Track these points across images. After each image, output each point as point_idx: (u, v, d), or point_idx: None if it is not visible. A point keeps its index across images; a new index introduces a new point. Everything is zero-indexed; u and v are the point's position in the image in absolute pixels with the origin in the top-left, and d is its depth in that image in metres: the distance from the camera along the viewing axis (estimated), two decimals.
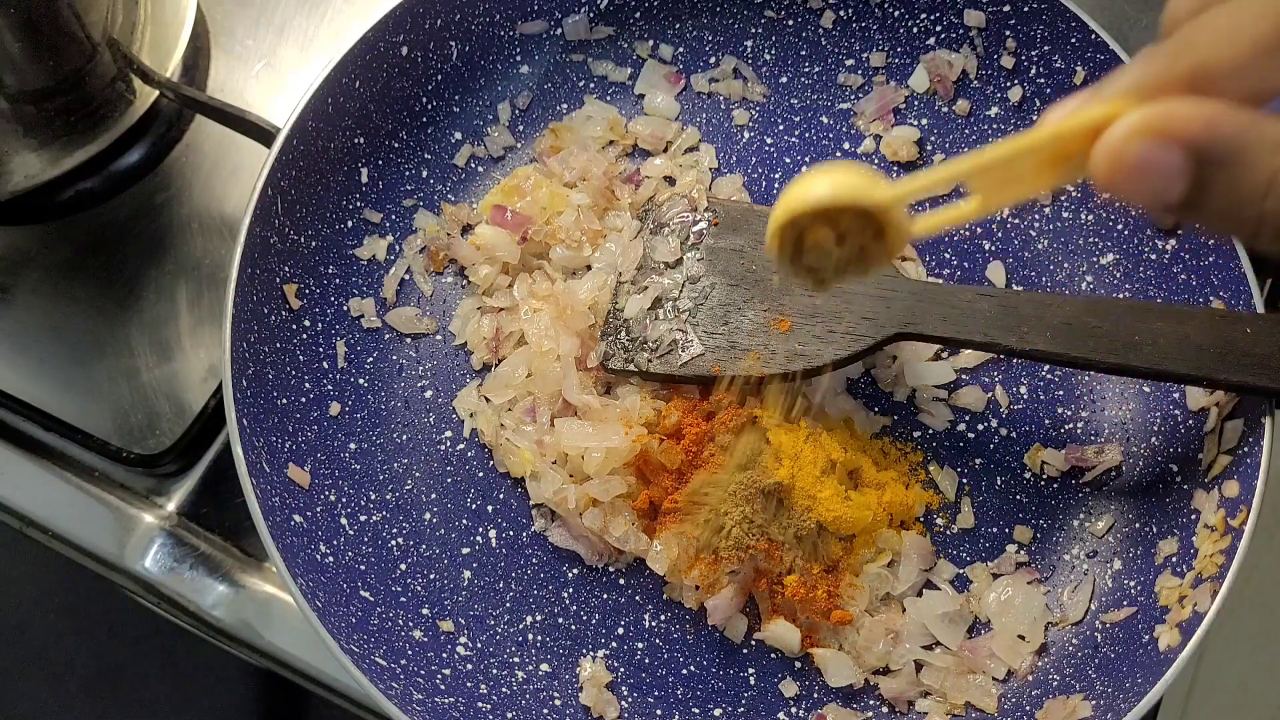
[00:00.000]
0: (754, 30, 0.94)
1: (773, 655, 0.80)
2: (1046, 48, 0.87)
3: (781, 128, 0.92)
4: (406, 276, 0.88)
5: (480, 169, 0.91)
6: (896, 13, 0.91)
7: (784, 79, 0.93)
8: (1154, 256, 0.84)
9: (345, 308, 0.86)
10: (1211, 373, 0.73)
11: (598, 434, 0.80)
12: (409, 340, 0.87)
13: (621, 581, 0.82)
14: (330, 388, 0.84)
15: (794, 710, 0.78)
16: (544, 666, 0.79)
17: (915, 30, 0.91)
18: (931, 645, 0.79)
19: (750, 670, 0.79)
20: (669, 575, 0.79)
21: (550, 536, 0.82)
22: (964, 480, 0.83)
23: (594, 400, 0.82)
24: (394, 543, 0.81)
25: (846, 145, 0.92)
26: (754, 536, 0.77)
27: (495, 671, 0.79)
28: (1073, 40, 0.85)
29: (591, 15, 0.93)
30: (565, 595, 0.81)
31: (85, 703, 1.42)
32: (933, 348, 0.85)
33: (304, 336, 0.84)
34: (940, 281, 0.87)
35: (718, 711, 0.78)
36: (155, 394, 0.89)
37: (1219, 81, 0.45)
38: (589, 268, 0.87)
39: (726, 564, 0.77)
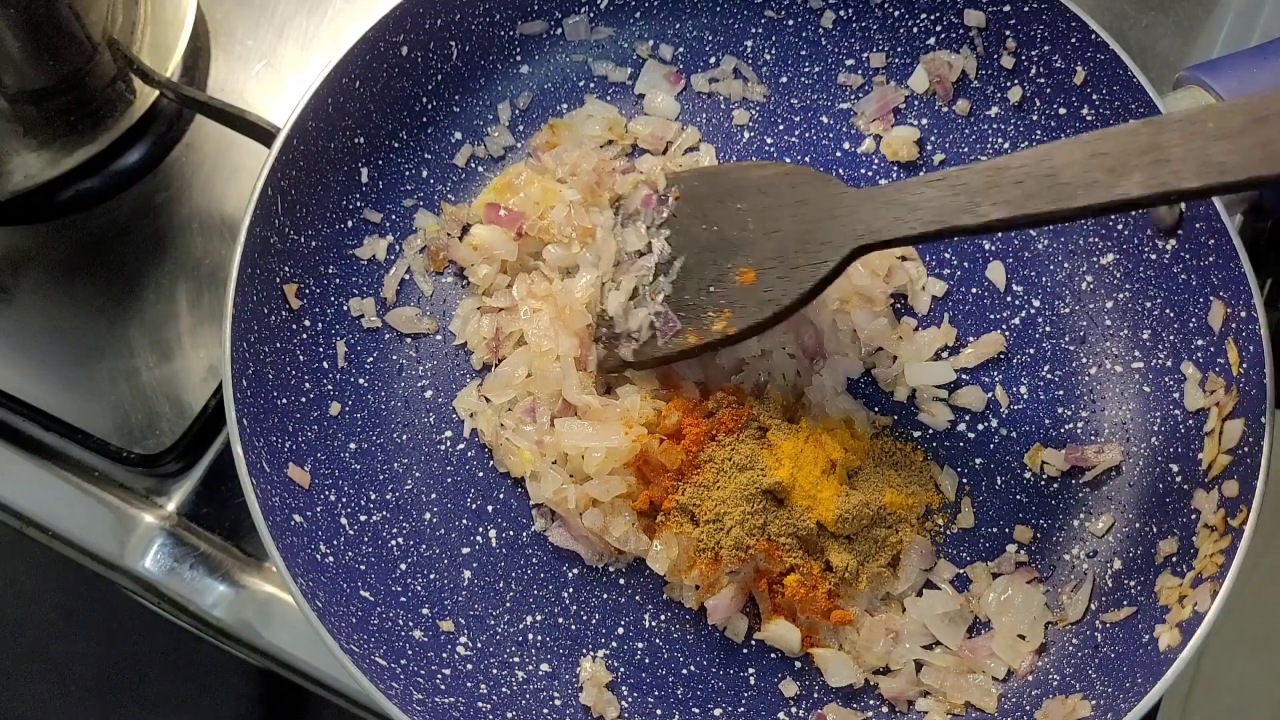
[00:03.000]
0: (754, 30, 0.94)
1: (773, 655, 0.80)
2: (1046, 48, 0.87)
3: (781, 128, 0.92)
4: (406, 276, 0.88)
5: (480, 169, 0.91)
6: (896, 13, 0.91)
7: (784, 79, 0.93)
8: (1154, 256, 0.84)
9: (345, 308, 0.86)
10: (1174, 184, 0.66)
11: (598, 434, 0.80)
12: (409, 340, 0.87)
13: (621, 581, 0.82)
14: (330, 388, 0.84)
15: (794, 710, 0.78)
16: (544, 666, 0.79)
17: (915, 30, 0.91)
18: (931, 645, 0.79)
19: (750, 670, 0.79)
20: (669, 575, 0.79)
21: (550, 537, 0.82)
22: (964, 480, 0.83)
23: (594, 400, 0.82)
24: (394, 543, 0.81)
25: (846, 145, 0.92)
26: (754, 536, 0.77)
27: (495, 671, 0.79)
28: (1073, 40, 0.85)
29: (591, 15, 0.93)
30: (565, 595, 0.81)
31: (85, 703, 1.42)
32: (933, 347, 0.85)
33: (304, 336, 0.84)
34: (887, 183, 0.86)
35: (718, 711, 0.78)
36: (155, 394, 0.89)
37: None
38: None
39: (726, 564, 0.77)
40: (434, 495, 0.83)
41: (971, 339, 0.86)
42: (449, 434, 0.85)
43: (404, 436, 0.85)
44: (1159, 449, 0.81)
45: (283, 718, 1.37)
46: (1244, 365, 0.76)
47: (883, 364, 0.86)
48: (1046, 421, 0.85)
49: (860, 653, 0.78)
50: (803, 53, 0.93)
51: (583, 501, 0.80)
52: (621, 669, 0.80)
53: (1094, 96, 0.85)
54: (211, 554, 0.87)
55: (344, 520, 0.80)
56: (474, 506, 0.83)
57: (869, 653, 0.78)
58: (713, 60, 0.94)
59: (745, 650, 0.80)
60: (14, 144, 0.92)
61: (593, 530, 0.80)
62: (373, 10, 0.84)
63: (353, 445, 0.83)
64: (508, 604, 0.81)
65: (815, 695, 0.79)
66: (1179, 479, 0.79)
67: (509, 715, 0.76)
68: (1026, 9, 0.86)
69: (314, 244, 0.85)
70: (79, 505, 0.88)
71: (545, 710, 0.78)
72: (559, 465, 0.81)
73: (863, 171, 0.91)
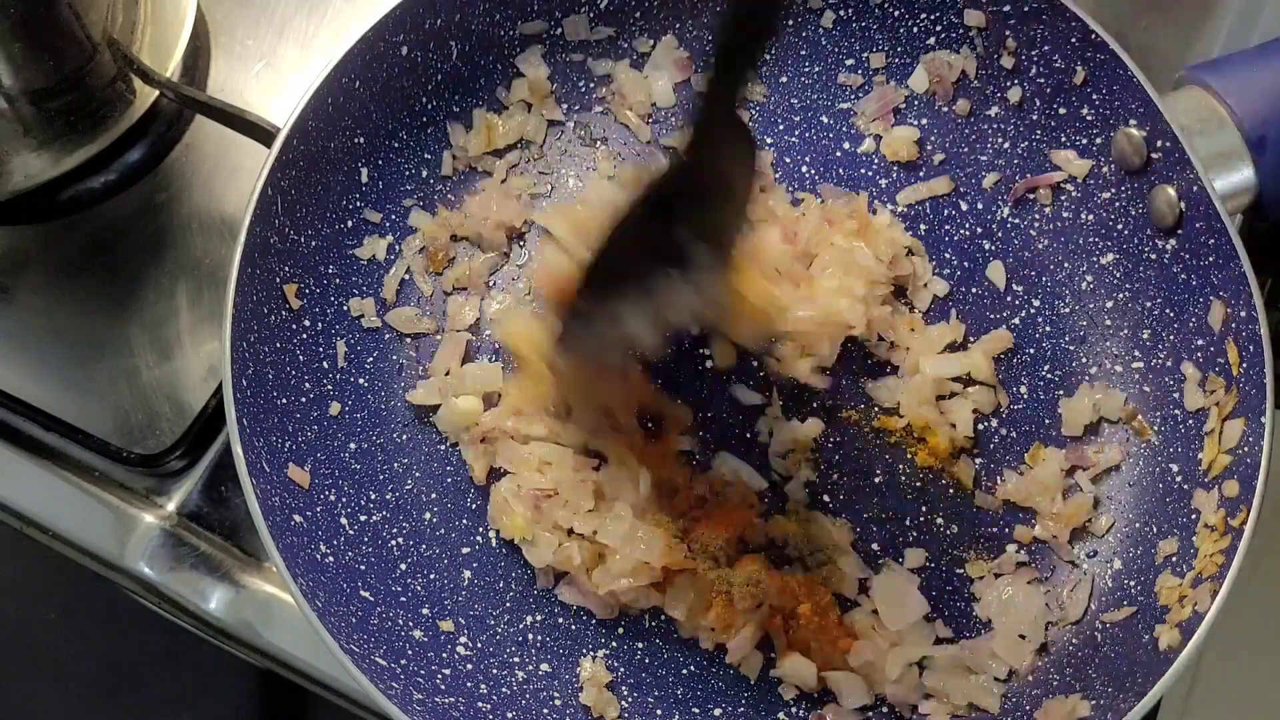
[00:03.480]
0: None
1: (772, 655, 0.79)
2: (1046, 48, 0.87)
3: (781, 128, 0.92)
4: (406, 276, 0.88)
5: (479, 169, 0.91)
6: (896, 13, 0.91)
7: (784, 79, 0.93)
8: (1154, 256, 0.84)
9: (345, 308, 0.86)
10: None
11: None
12: (409, 340, 0.87)
13: None
14: (330, 388, 0.84)
15: (794, 710, 0.78)
16: (544, 666, 0.79)
17: (915, 30, 0.91)
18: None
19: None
20: (685, 619, 0.78)
21: (560, 595, 0.80)
22: None
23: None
24: (394, 543, 0.81)
25: (846, 145, 0.92)
26: (763, 571, 0.77)
27: (495, 671, 0.79)
28: (1073, 40, 0.85)
29: (591, 15, 0.93)
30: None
31: (85, 703, 1.42)
32: (943, 341, 0.85)
33: (304, 336, 0.84)
34: None
35: (718, 711, 0.78)
36: (155, 394, 0.89)
37: None
38: None
39: (739, 602, 0.76)
40: (434, 495, 0.83)
41: (972, 339, 0.86)
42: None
43: (404, 436, 0.85)
44: (1159, 449, 0.81)
45: (283, 718, 1.37)
46: (1244, 365, 0.76)
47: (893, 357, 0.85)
48: (1046, 421, 0.85)
49: (870, 669, 0.77)
50: (803, 53, 0.93)
51: (591, 557, 0.78)
52: (621, 669, 0.79)
53: (1094, 96, 0.85)
54: (211, 554, 0.87)
55: (344, 520, 0.80)
56: (474, 506, 0.83)
57: (876, 666, 0.77)
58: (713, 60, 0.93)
59: None
60: (14, 144, 0.92)
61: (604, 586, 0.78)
62: (373, 10, 0.84)
63: (353, 445, 0.83)
64: (508, 604, 0.81)
65: (815, 695, 0.78)
66: (1179, 479, 0.79)
67: (509, 715, 0.76)
68: (1026, 9, 0.86)
69: (314, 244, 0.85)
70: (79, 505, 0.88)
71: (545, 710, 0.78)
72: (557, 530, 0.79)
73: (863, 171, 0.91)
